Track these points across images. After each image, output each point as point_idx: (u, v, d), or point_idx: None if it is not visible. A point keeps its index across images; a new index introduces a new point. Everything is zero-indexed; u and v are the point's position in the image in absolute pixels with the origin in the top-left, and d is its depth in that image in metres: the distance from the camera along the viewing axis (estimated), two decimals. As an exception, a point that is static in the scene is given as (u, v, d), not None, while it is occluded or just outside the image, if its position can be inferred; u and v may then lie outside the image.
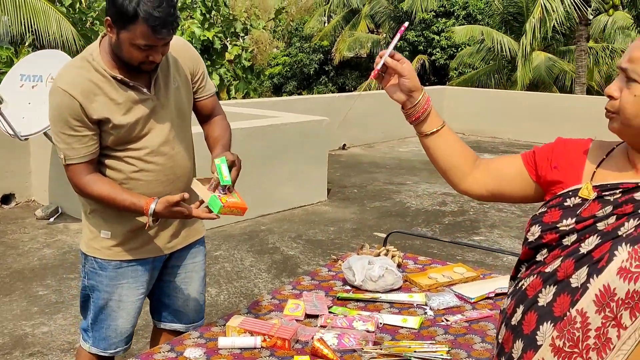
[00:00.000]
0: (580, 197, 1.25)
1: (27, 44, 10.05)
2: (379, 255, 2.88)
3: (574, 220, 1.23)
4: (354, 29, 21.40)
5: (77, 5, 7.82)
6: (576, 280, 1.17)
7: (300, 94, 21.37)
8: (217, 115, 2.39)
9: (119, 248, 2.23)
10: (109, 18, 1.96)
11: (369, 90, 18.35)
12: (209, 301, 4.10)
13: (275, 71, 22.98)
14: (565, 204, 1.27)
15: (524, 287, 1.28)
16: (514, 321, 1.27)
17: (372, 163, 8.83)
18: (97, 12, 8.27)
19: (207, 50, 11.20)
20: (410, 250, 3.75)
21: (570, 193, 1.28)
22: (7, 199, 6.27)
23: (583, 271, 1.17)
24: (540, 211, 1.31)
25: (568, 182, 1.31)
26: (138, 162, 2.15)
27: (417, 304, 2.45)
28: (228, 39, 11.48)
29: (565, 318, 1.17)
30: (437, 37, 20.24)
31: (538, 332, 1.20)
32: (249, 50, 12.05)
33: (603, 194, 1.23)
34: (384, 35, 21.34)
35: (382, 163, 8.81)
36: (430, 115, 1.47)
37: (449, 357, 2.04)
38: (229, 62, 10.57)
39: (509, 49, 15.54)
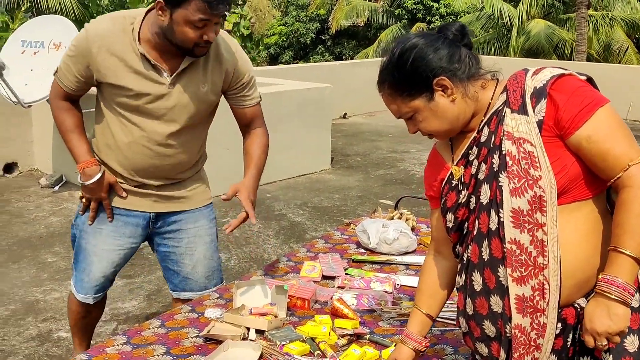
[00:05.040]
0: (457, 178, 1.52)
1: (23, 9, 9.91)
2: (392, 218, 2.90)
3: (464, 188, 1.48)
4: (352, -3, 21.13)
5: (76, -29, 7.69)
6: (493, 223, 1.40)
7: (296, 63, 21.18)
8: (256, 128, 2.38)
9: None
10: (161, 0, 1.95)
11: (367, 58, 18.19)
12: (218, 266, 4.12)
13: (271, 41, 22.74)
14: (452, 185, 1.52)
15: (468, 258, 1.48)
16: (477, 287, 1.45)
17: (374, 131, 8.81)
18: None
19: (205, 18, 10.98)
20: (416, 215, 3.77)
21: (450, 177, 1.53)
22: (9, 167, 6.23)
23: (493, 214, 1.39)
24: (442, 204, 1.55)
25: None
26: (133, 137, 2.20)
27: (433, 266, 2.46)
28: (227, 7, 11.23)
29: (506, 254, 1.37)
30: (436, 5, 20.01)
31: (500, 279, 1.40)
32: (248, 18, 11.89)
33: (467, 159, 1.49)
34: (382, 3, 21.10)
35: (385, 131, 8.79)
36: (421, 333, 1.69)
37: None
38: (227, 31, 10.44)
39: (509, 16, 15.40)
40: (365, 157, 7.35)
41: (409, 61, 1.43)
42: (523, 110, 1.38)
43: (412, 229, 2.82)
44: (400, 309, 2.15)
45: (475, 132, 1.48)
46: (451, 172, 1.53)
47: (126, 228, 2.33)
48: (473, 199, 1.46)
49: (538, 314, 1.37)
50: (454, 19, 19.20)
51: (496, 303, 1.42)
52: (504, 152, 1.38)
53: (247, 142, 2.39)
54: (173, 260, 2.41)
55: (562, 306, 1.38)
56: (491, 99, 1.46)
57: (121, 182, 2.29)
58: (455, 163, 1.53)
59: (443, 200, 1.54)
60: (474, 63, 1.46)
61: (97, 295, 2.41)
